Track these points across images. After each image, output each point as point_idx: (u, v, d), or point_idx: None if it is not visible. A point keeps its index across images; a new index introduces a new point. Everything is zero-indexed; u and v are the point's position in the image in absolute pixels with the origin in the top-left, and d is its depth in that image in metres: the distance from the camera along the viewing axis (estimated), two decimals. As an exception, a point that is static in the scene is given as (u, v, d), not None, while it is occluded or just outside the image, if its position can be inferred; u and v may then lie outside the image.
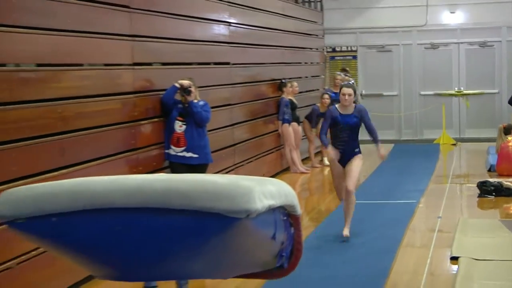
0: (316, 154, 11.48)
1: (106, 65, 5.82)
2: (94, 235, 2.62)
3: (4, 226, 2.83)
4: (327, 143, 6.16)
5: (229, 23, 8.51)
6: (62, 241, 2.75)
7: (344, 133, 5.96)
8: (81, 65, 5.55)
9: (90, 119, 5.42)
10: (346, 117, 6.00)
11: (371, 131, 6.06)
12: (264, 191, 2.61)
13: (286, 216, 2.94)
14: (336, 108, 6.08)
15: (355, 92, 6.17)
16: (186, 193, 2.51)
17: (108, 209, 2.57)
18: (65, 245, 2.79)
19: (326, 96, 10.82)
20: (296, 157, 10.46)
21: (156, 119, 6.42)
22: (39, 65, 4.99)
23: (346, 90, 6.07)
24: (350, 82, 8.55)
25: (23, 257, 4.63)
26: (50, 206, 2.61)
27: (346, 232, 5.95)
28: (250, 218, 2.50)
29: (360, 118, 5.95)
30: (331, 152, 6.02)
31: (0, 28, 4.49)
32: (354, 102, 6.12)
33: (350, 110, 6.04)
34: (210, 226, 2.52)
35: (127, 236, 2.58)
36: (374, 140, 6.16)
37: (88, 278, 4.97)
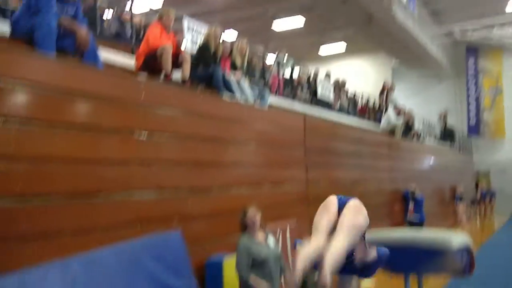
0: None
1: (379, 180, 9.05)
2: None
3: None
4: None
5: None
6: None
7: None
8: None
9: (372, 203, 8.63)
10: None
11: None
12: (457, 240, 4.58)
13: (467, 251, 4.95)
14: None
15: None
16: (422, 241, 4.86)
17: (389, 247, 4.98)
18: None
19: None
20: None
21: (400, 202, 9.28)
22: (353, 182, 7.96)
23: None
24: None
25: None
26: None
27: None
28: (451, 252, 4.68)
29: None
30: None
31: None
32: None
33: None
34: (434, 255, 4.86)
35: (398, 257, 4.94)
36: None
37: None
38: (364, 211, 3.59)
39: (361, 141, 10.77)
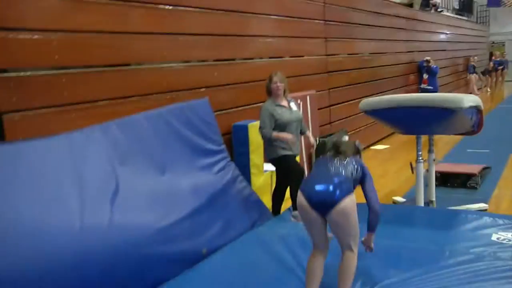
0: None
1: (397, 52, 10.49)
2: (398, 117, 4.84)
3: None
4: None
5: None
6: (384, 119, 5.23)
7: None
8: (385, 53, 10.22)
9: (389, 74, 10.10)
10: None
11: None
12: (468, 99, 4.41)
13: (477, 110, 4.78)
14: None
15: None
16: (435, 100, 4.42)
17: (403, 107, 4.65)
18: (386, 121, 5.32)
19: None
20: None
21: (415, 74, 11.17)
22: (370, 53, 8.90)
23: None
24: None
25: (366, 125, 8.62)
26: (380, 106, 4.77)
27: None
28: (462, 110, 4.30)
29: None
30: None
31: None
32: None
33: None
34: (445, 113, 4.35)
35: (412, 117, 4.73)
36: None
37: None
38: (349, 211, 2.90)
39: (380, 12, 10.51)
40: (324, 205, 2.88)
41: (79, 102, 4.00)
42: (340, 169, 2.99)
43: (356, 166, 3.04)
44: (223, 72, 5.75)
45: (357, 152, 3.22)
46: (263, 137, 4.79)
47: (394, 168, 7.67)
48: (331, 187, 2.90)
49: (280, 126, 4.75)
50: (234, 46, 6.06)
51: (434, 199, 5.35)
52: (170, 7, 5.09)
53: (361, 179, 3.05)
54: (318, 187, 2.91)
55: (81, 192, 3.34)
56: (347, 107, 8.84)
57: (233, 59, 6.08)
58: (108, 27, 4.33)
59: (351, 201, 2.91)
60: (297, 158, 5.03)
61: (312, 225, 2.98)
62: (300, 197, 2.99)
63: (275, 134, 4.67)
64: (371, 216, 3.01)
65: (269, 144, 4.88)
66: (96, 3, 4.28)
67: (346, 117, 8.82)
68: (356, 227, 2.97)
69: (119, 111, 4.25)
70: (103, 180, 3.54)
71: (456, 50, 17.24)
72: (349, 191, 2.92)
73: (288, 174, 4.82)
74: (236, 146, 5.65)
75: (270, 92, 4.77)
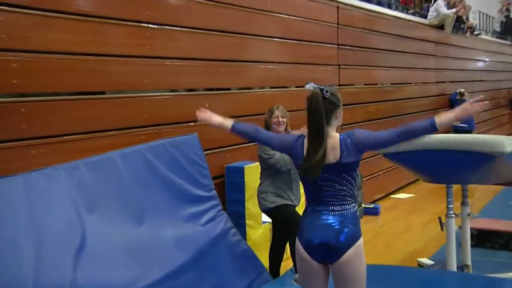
0: None
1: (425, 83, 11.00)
2: (424, 162, 4.67)
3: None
4: None
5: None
6: (408, 164, 5.11)
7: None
8: (411, 83, 10.57)
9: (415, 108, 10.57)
10: None
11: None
12: (510, 143, 4.21)
13: None
14: None
15: None
16: (470, 143, 4.34)
17: (430, 150, 4.45)
18: (409, 166, 5.23)
19: None
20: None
21: (446, 108, 11.43)
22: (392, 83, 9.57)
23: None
24: None
25: (386, 170, 8.51)
26: (402, 148, 4.45)
27: None
28: (504, 155, 4.13)
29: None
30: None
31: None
32: None
33: None
34: (483, 159, 4.22)
35: (441, 163, 4.60)
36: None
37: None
38: (357, 260, 2.95)
39: (404, 36, 10.64)
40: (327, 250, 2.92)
41: (41, 137, 3.99)
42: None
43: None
44: (216, 103, 5.79)
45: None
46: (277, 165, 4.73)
47: (419, 223, 7.65)
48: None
49: (279, 170, 4.74)
50: (230, 73, 6.12)
51: (469, 263, 5.28)
52: (155, 26, 5.15)
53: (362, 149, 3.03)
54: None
55: (38, 246, 3.29)
56: (363, 147, 8.85)
57: (229, 89, 6.15)
58: (80, 48, 4.37)
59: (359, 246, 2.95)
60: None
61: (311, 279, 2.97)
62: (298, 246, 3.02)
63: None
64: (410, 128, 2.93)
65: (261, 190, 4.88)
66: (67, 19, 4.33)
67: (361, 160, 8.79)
68: (364, 278, 2.96)
69: (89, 148, 4.27)
70: (66, 231, 3.51)
71: (497, 81, 17.31)
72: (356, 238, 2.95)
73: (285, 227, 4.78)
74: (229, 192, 5.65)
75: (268, 128, 4.79)
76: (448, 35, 13.39)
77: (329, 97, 2.98)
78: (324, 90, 2.98)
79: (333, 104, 3.02)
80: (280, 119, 4.83)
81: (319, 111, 2.90)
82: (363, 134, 3.03)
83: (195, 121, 5.47)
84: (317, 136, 2.92)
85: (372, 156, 8.55)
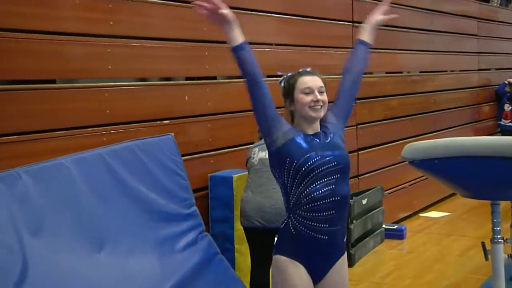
0: None
1: (463, 70, 11.18)
2: (461, 171, 4.39)
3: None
4: None
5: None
6: (440, 174, 5.21)
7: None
8: (445, 71, 10.34)
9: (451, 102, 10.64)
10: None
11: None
12: None
13: None
14: None
15: None
16: None
17: (469, 156, 4.24)
18: (442, 177, 5.26)
19: None
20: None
21: (492, 103, 11.52)
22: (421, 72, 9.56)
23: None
24: None
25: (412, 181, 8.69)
26: (434, 153, 4.40)
27: None
28: None
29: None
30: None
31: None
32: None
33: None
34: None
35: (483, 173, 4.27)
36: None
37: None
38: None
39: (437, 10, 10.58)
40: None
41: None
42: None
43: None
44: (199, 96, 5.75)
45: None
46: None
47: (456, 249, 7.60)
48: None
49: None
50: (216, 58, 6.06)
51: (522, 303, 5.23)
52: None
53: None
54: None
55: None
56: (384, 152, 8.80)
57: (214, 77, 6.09)
58: (22, 23, 4.35)
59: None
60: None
61: None
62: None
63: None
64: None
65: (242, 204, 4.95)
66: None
67: (381, 168, 8.76)
68: None
69: (34, 152, 4.24)
70: (1, 259, 3.49)
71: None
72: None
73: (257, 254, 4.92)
74: (214, 208, 5.61)
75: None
76: (494, 9, 13.24)
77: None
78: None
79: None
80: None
81: None
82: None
83: (171, 118, 5.50)
84: None
85: (395, 164, 8.51)
